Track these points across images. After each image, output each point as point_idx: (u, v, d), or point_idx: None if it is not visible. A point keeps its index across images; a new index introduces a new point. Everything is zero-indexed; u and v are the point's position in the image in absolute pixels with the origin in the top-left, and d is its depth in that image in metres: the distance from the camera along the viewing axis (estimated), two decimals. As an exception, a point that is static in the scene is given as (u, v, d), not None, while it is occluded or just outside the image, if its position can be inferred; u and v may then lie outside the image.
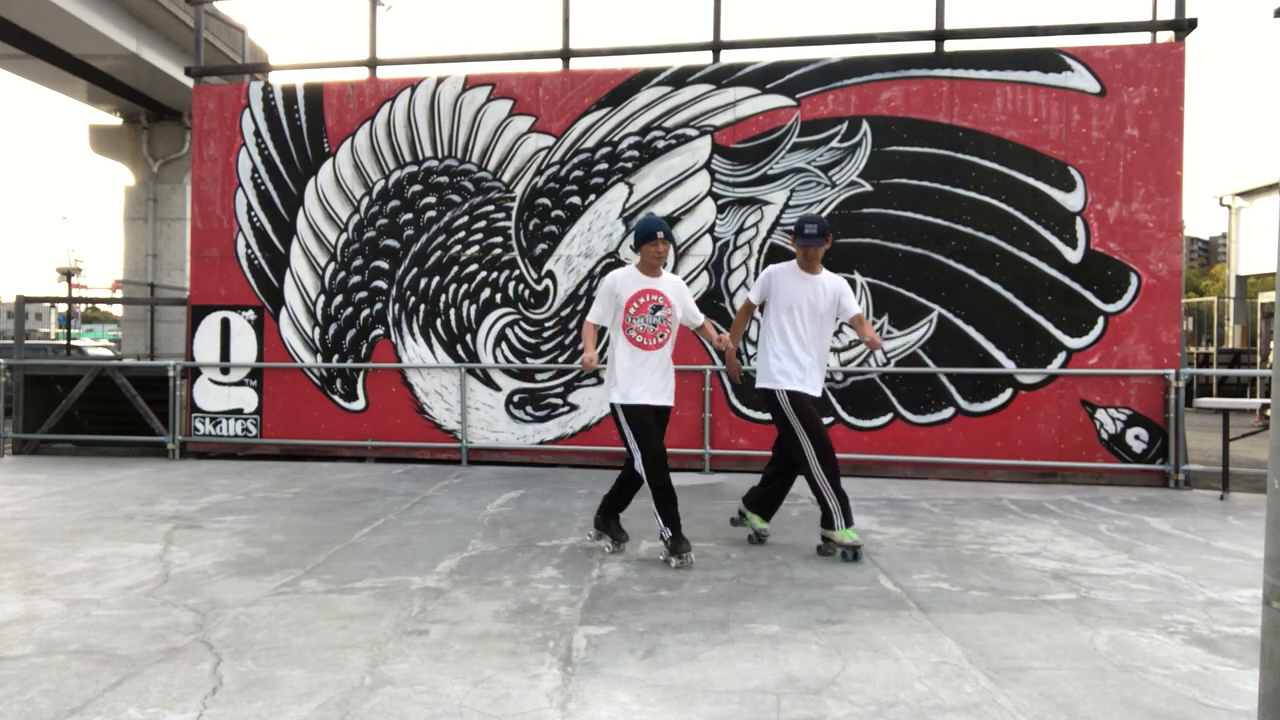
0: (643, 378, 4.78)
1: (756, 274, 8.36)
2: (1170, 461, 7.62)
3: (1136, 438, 7.76)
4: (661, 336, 4.82)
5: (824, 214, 8.23)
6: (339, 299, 9.14)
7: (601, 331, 5.09)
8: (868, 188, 8.19)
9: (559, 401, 8.73)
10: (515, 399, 8.82)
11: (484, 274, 8.88)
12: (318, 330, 9.18)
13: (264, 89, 9.30)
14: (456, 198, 8.93)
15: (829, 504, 4.86)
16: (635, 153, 8.59)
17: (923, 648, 3.46)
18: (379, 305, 9.07)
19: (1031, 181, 7.94)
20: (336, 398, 9.13)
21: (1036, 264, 7.87)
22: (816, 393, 5.01)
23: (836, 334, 7.57)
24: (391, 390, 9.04)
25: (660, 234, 4.76)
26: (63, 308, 36.35)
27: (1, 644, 3.47)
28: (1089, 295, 7.82)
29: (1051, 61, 7.94)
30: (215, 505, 6.49)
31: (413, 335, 9.01)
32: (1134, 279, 7.77)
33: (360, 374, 9.09)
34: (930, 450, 8.01)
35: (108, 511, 6.21)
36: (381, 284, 9.06)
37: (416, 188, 9.00)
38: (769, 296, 5.08)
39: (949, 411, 8.04)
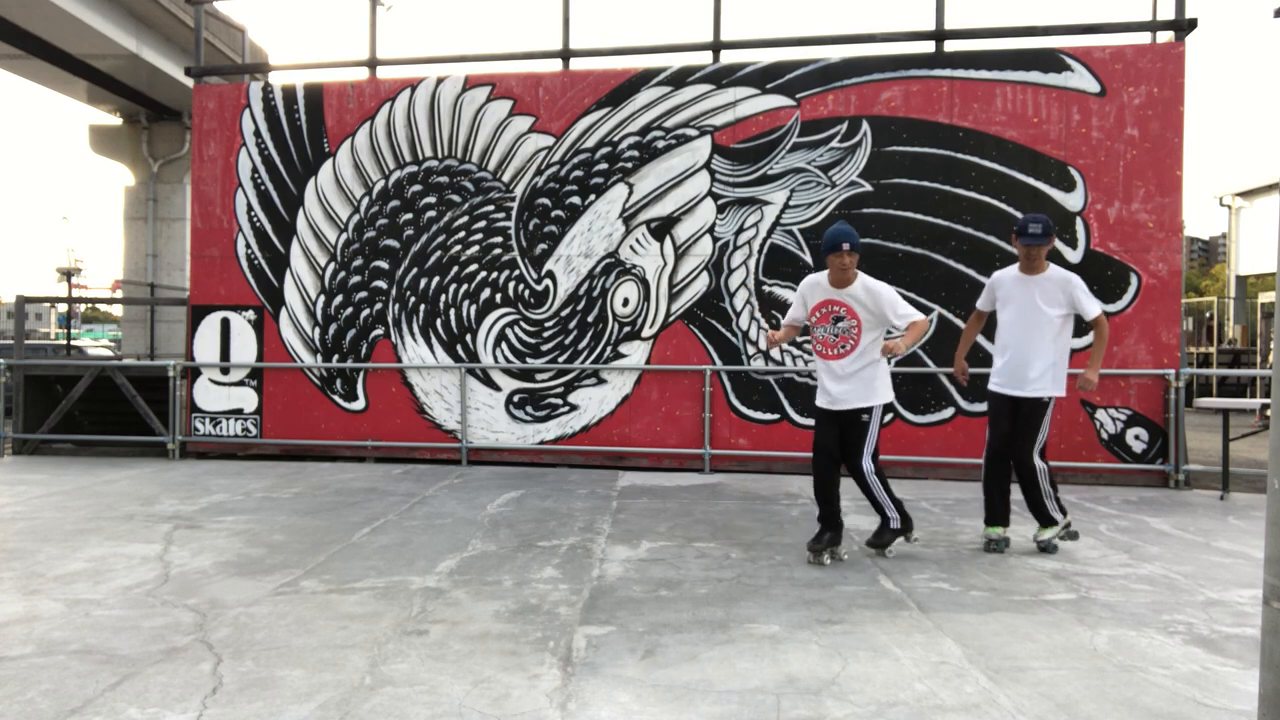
0: (822, 384, 4.90)
1: (757, 274, 8.36)
2: (1170, 461, 7.62)
3: (1136, 438, 7.76)
4: (845, 346, 4.78)
5: (823, 214, 8.23)
6: (339, 299, 9.14)
7: (804, 330, 5.13)
8: (868, 188, 8.19)
9: (559, 402, 8.73)
10: (515, 399, 8.82)
11: (484, 274, 8.88)
12: (318, 330, 9.18)
13: (264, 89, 9.30)
14: (456, 198, 8.93)
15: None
16: (635, 153, 8.59)
17: (923, 648, 3.46)
18: (379, 305, 9.07)
19: (1031, 181, 7.94)
20: (336, 398, 9.13)
21: (1036, 264, 7.86)
22: (1020, 392, 4.97)
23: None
24: (391, 390, 9.04)
25: (846, 245, 4.70)
26: (63, 308, 36.35)
27: (1, 644, 3.47)
28: (1089, 295, 7.81)
29: (1051, 61, 7.94)
30: (215, 505, 6.49)
31: (413, 335, 9.01)
32: (1134, 279, 7.77)
33: (360, 374, 9.09)
34: (930, 450, 8.01)
35: (108, 511, 6.21)
36: (381, 284, 9.06)
37: (416, 188, 9.00)
38: (996, 302, 5.17)
39: (949, 411, 8.04)
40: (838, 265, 4.74)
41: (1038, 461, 5.00)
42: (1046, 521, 5.09)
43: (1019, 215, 7.90)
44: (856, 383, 4.77)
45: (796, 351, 8.30)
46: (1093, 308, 4.96)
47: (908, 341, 4.64)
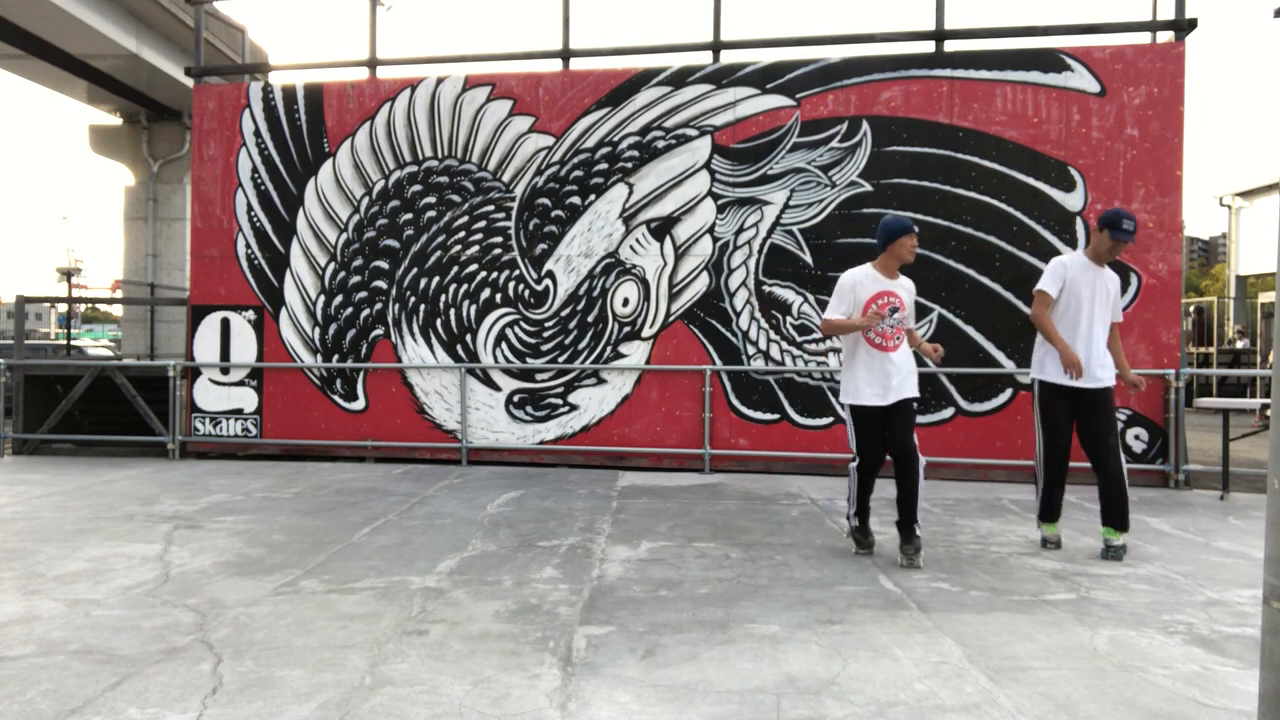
0: (878, 379, 4.77)
1: (757, 274, 8.35)
2: (1170, 461, 7.62)
3: (1136, 438, 7.76)
4: (900, 338, 4.83)
5: (823, 214, 8.23)
6: (339, 299, 9.14)
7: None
8: (868, 188, 8.19)
9: (559, 401, 8.73)
10: (515, 399, 8.82)
11: (484, 274, 8.88)
12: (318, 330, 9.18)
13: (264, 89, 9.30)
14: (456, 198, 8.93)
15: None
16: (635, 153, 8.59)
17: (923, 648, 3.46)
18: (379, 305, 9.07)
19: (1031, 181, 7.94)
20: (336, 398, 9.13)
21: (1037, 264, 7.86)
22: (1099, 383, 4.89)
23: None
24: (391, 390, 9.04)
25: (915, 229, 4.83)
26: (63, 308, 36.36)
27: (1, 644, 3.47)
28: (1089, 295, 7.81)
29: (1051, 61, 7.94)
30: (215, 505, 6.49)
31: (413, 335, 9.01)
32: (1134, 279, 7.77)
33: (360, 374, 9.09)
34: (930, 450, 7.99)
35: (108, 511, 6.21)
36: (381, 284, 9.06)
37: (416, 188, 9.00)
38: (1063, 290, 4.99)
39: (949, 411, 8.04)
40: (908, 248, 4.77)
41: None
42: (1127, 525, 4.91)
43: (1019, 215, 7.91)
44: (909, 372, 4.83)
45: (796, 352, 8.30)
46: (1119, 312, 5.09)
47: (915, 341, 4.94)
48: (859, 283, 4.83)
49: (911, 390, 4.81)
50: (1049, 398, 5.02)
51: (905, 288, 4.91)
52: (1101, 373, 4.93)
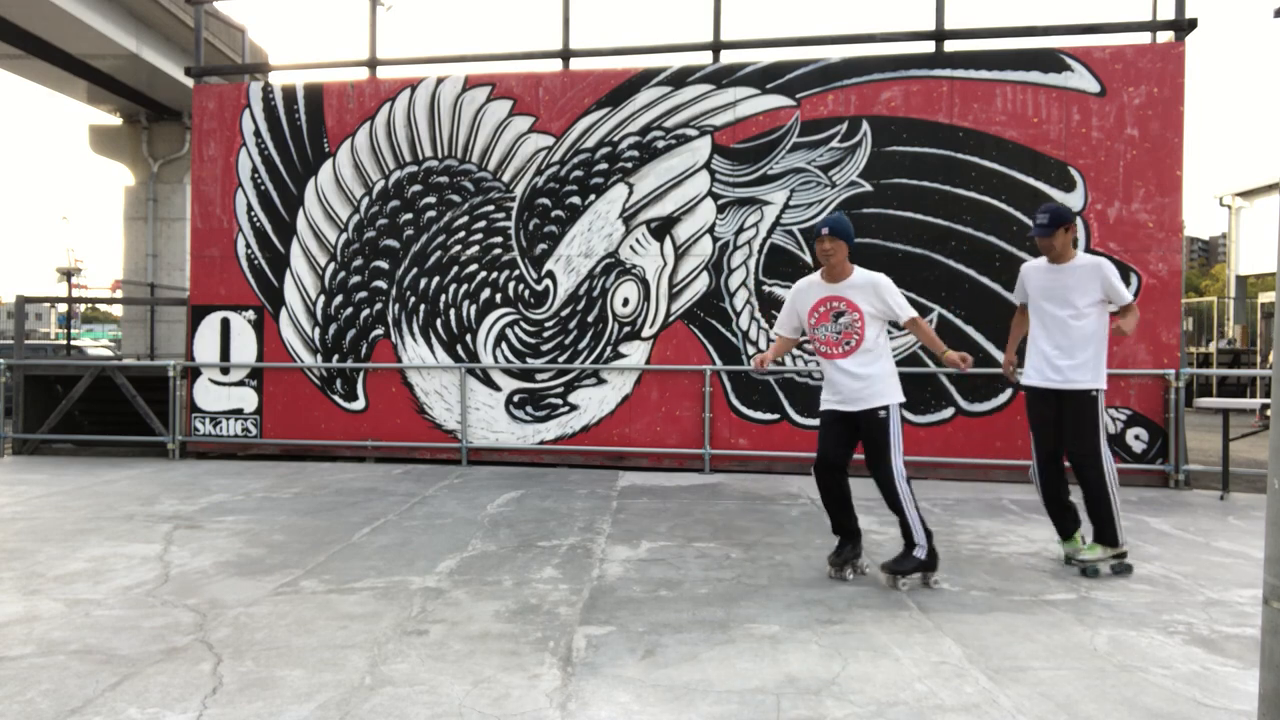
0: (831, 385, 4.49)
1: (757, 274, 8.35)
2: (1170, 461, 7.62)
3: (1136, 438, 7.76)
4: (850, 343, 4.40)
5: (823, 214, 8.22)
6: (339, 299, 9.14)
7: (800, 340, 4.80)
8: (868, 188, 8.19)
9: (559, 401, 8.72)
10: (515, 399, 8.82)
11: (484, 274, 8.88)
12: (318, 330, 9.18)
13: (264, 89, 9.30)
14: (456, 198, 8.93)
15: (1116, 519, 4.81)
16: (635, 153, 8.59)
17: (923, 648, 3.46)
18: (379, 305, 9.06)
19: (1031, 181, 7.94)
20: (336, 398, 9.13)
21: (1036, 264, 7.86)
22: (1048, 384, 4.71)
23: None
24: (391, 390, 9.04)
25: (825, 230, 4.38)
26: (63, 308, 36.35)
27: (1, 644, 3.47)
28: (1089, 295, 7.81)
29: (1051, 61, 7.94)
30: (215, 505, 6.49)
31: (413, 335, 9.01)
32: (1134, 279, 7.76)
33: (360, 374, 9.09)
34: (930, 450, 8.01)
35: (108, 511, 6.21)
36: (381, 284, 9.06)
37: (416, 188, 9.00)
38: (1028, 294, 4.86)
39: (949, 411, 8.04)
40: (820, 253, 4.44)
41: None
42: (1107, 539, 4.65)
43: (1019, 215, 7.92)
44: (870, 379, 4.37)
45: (797, 351, 8.29)
46: (1127, 294, 4.68)
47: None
48: (799, 293, 4.60)
49: (874, 399, 4.38)
50: (1029, 399, 4.90)
51: (863, 286, 4.46)
52: (1063, 377, 4.78)
